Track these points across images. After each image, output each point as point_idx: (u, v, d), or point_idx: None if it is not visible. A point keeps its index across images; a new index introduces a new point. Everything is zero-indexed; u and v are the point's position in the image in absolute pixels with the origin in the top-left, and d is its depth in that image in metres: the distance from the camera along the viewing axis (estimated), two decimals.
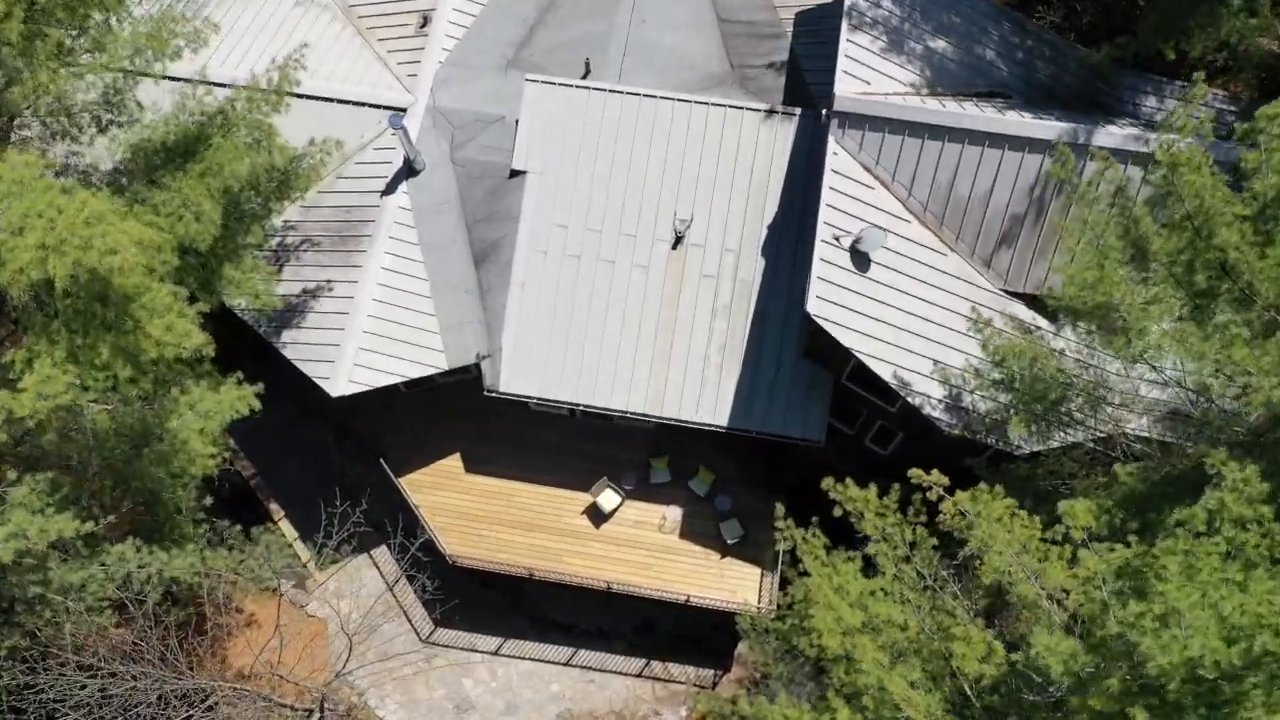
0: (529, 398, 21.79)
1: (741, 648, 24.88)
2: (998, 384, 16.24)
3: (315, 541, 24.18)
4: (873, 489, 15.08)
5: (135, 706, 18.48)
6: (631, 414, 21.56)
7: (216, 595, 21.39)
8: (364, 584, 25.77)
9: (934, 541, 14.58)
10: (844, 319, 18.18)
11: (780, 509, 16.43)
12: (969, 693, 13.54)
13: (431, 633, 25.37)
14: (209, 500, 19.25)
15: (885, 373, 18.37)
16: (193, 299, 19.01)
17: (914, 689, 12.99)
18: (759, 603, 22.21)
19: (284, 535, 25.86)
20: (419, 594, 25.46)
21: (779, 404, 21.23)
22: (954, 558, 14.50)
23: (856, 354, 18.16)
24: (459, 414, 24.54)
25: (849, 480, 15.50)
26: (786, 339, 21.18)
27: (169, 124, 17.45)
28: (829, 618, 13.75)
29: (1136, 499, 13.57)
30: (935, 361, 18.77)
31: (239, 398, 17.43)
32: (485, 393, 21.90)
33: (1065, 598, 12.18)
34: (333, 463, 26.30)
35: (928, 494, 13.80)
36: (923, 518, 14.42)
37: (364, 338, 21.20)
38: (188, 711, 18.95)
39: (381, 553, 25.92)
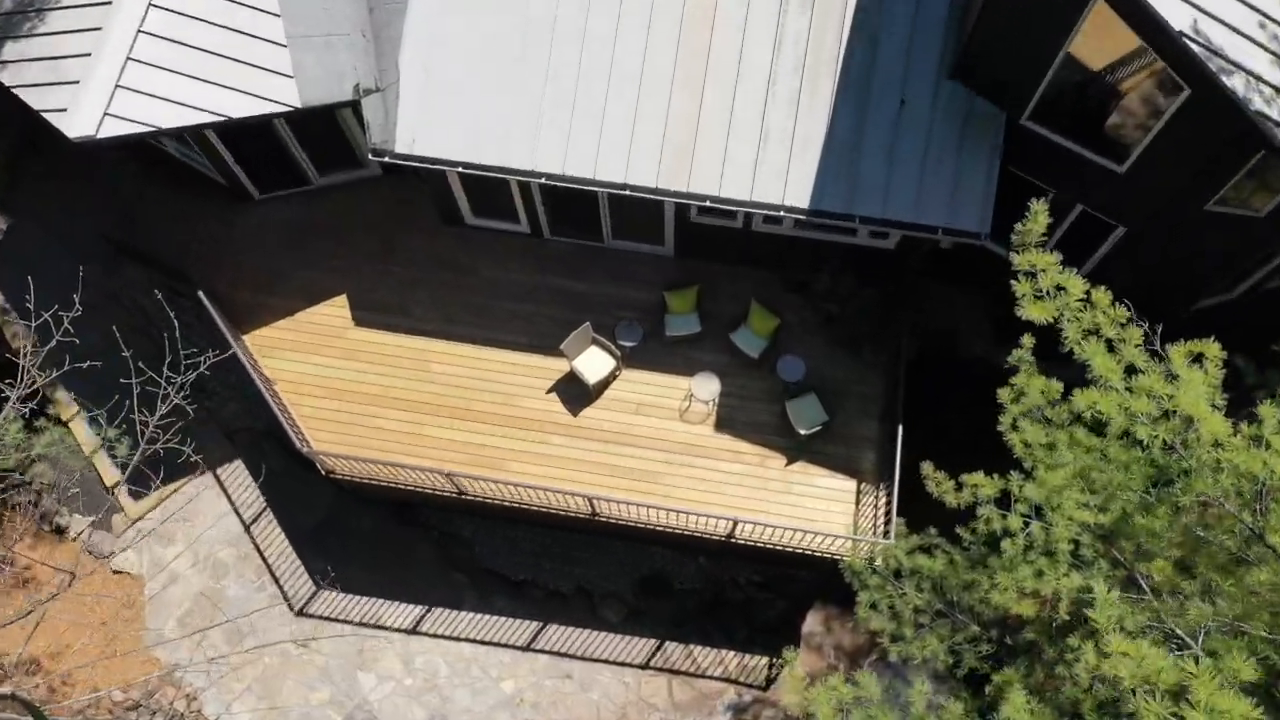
0: (447, 164, 12.08)
1: (812, 621, 15.26)
2: None
3: (127, 453, 14.51)
4: None
5: None
6: (635, 189, 11.87)
7: None
8: (205, 522, 16.09)
9: None
10: None
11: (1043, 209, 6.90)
12: None
13: (311, 598, 15.71)
14: None
15: (1177, 16, 8.65)
16: None
17: None
18: (857, 532, 12.56)
19: (77, 443, 16.19)
20: (293, 537, 15.87)
21: (905, 167, 11.58)
22: None
23: None
24: (346, 233, 14.87)
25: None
26: (920, 42, 11.53)
27: None
28: None
29: None
30: (1264, 17, 9.08)
31: None
32: (371, 155, 12.18)
33: None
34: (159, 332, 16.57)
35: None
36: None
37: (141, 44, 11.48)
38: None
39: (235, 472, 16.24)
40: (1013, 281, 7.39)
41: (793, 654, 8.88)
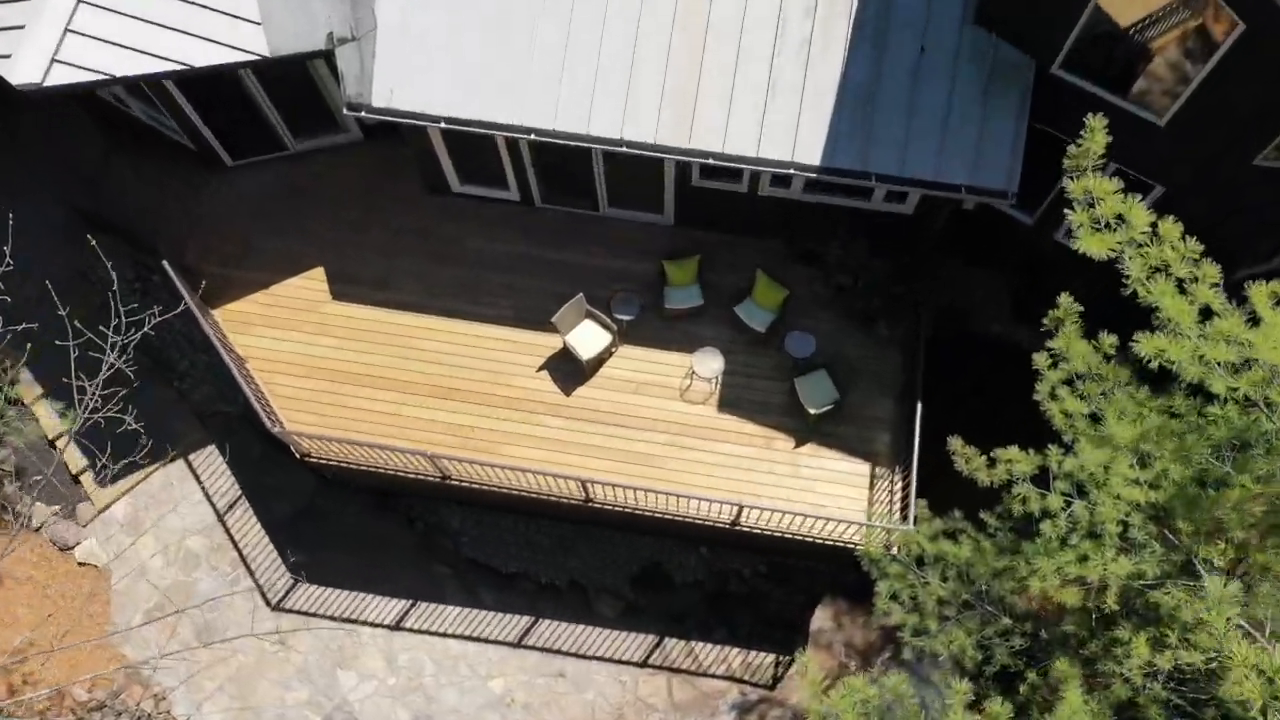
0: (428, 119, 11.15)
1: (821, 617, 14.36)
2: None
3: (70, 425, 13.56)
4: None
5: None
6: (632, 146, 10.95)
7: None
8: (177, 512, 15.17)
9: None
10: None
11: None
12: None
13: (288, 592, 14.79)
14: None
15: None
16: None
17: None
18: (871, 518, 11.62)
19: (39, 425, 15.26)
20: (270, 527, 14.96)
21: (925, 120, 10.65)
22: None
23: None
24: (325, 202, 13.95)
25: None
26: None
27: None
28: None
29: None
30: None
31: None
32: (345, 110, 11.26)
33: None
34: (133, 311, 15.62)
35: None
36: None
37: None
38: None
39: (209, 459, 15.33)
40: (1066, 211, 6.48)
41: (807, 656, 7.92)
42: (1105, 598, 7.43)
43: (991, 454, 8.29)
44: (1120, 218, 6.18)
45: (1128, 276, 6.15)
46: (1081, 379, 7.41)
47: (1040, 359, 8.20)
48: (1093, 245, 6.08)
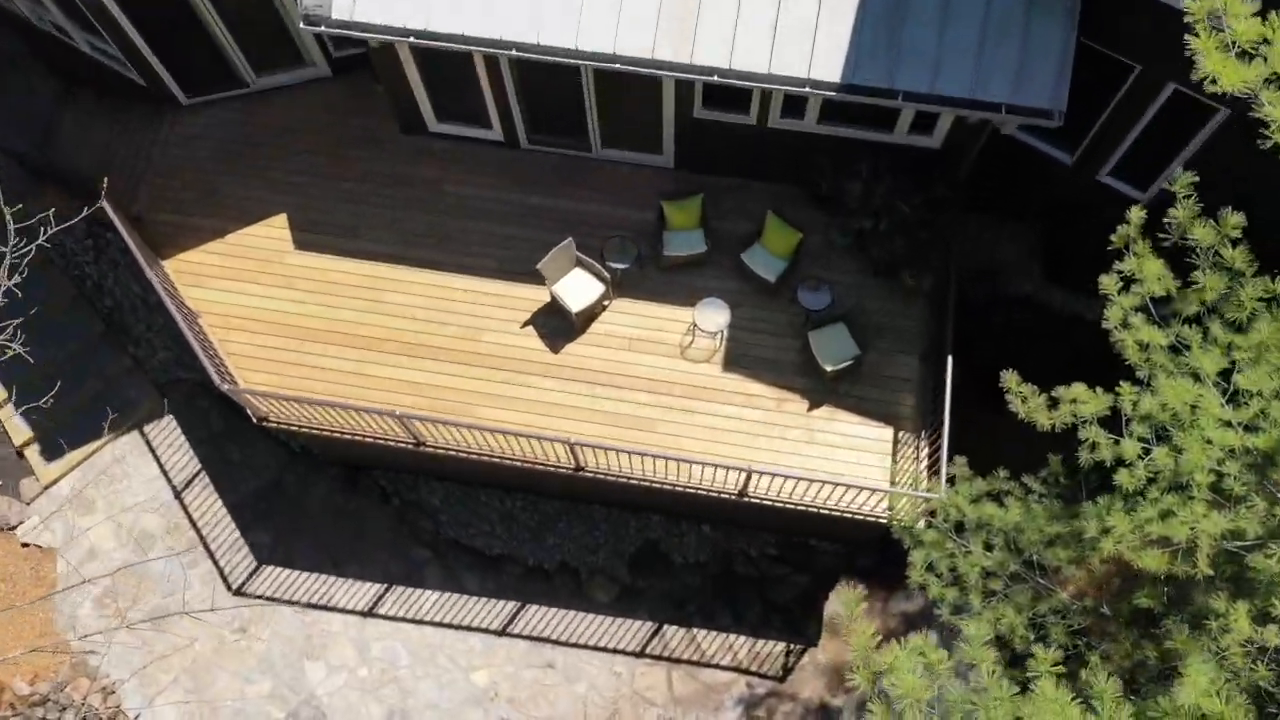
0: (396, 34, 9.84)
1: (836, 602, 13.07)
2: None
3: (39, 406, 12.26)
4: None
5: None
6: (626, 62, 9.64)
7: None
8: (129, 487, 13.89)
9: None
10: None
11: None
12: None
13: (251, 575, 13.50)
14: None
15: None
16: None
17: None
18: (893, 484, 10.26)
19: None
20: (232, 505, 13.69)
21: (960, 29, 9.35)
22: None
23: None
24: (288, 143, 12.64)
25: None
26: None
27: None
28: None
29: None
30: None
31: None
32: (303, 25, 9.95)
33: None
34: (85, 272, 14.39)
35: None
36: None
37: None
38: None
39: (167, 431, 14.06)
40: (1188, 37, 5.21)
41: (854, 594, 6.56)
42: (1196, 561, 6.12)
43: (1053, 394, 7.00)
44: (1263, 43, 4.86)
45: (1267, 125, 4.86)
46: (1198, 269, 6.11)
47: (1108, 281, 6.91)
48: (1227, 73, 4.75)
